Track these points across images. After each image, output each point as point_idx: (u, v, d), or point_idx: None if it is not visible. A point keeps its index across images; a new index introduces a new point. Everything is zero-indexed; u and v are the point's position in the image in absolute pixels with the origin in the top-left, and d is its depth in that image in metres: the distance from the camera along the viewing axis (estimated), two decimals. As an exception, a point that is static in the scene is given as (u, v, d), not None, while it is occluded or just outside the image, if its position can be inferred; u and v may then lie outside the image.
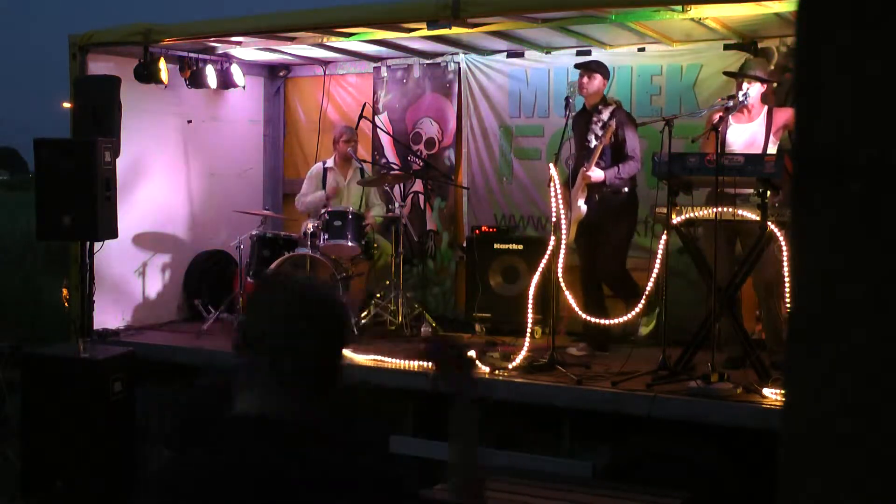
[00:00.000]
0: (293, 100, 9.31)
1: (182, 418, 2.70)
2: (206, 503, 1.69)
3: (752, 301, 6.51)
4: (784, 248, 5.44)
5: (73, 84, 7.48)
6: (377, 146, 8.69)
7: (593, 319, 6.31)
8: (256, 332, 1.83)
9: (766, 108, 6.06)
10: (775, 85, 6.61)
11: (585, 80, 6.57)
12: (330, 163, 7.96)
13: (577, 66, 6.72)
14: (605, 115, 6.47)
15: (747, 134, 6.00)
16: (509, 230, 7.89)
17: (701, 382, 5.32)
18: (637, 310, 6.13)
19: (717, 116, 5.96)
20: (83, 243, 7.27)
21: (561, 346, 6.39)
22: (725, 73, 6.46)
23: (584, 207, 6.37)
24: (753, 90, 5.96)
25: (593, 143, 6.47)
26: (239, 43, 7.95)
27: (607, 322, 6.31)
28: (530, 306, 6.22)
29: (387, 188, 7.82)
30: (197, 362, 6.92)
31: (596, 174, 6.35)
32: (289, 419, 1.77)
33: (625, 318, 6.20)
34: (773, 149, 5.92)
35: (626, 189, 6.52)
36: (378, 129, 8.53)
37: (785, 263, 5.50)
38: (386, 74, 8.60)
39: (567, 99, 6.46)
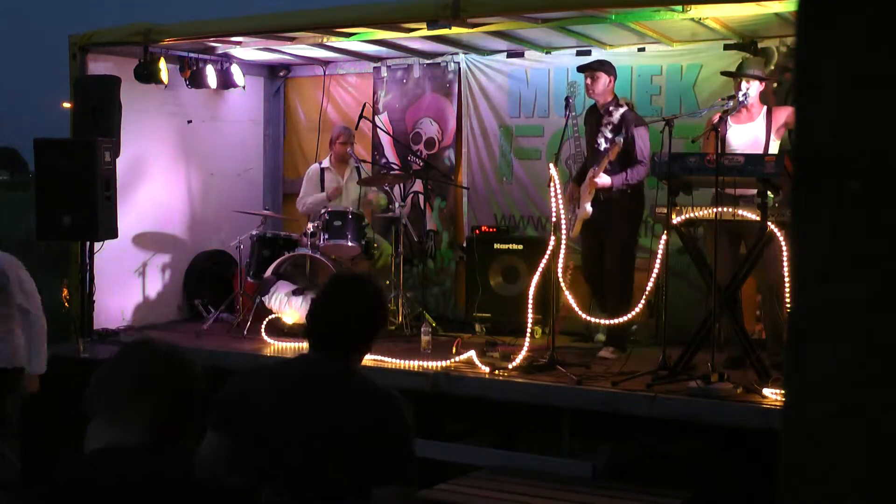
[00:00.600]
0: (293, 100, 9.31)
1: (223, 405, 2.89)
2: None
3: (752, 301, 6.51)
4: (784, 248, 5.44)
5: (73, 84, 7.48)
6: (377, 146, 8.68)
7: (593, 319, 6.30)
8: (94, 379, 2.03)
9: (765, 107, 6.05)
10: (775, 84, 6.62)
11: (589, 81, 6.50)
12: (326, 163, 7.94)
13: (579, 69, 6.65)
14: (616, 117, 6.41)
15: (748, 135, 5.99)
16: (509, 230, 7.89)
17: (701, 382, 5.32)
18: (631, 315, 6.12)
19: (717, 117, 5.96)
20: (83, 243, 7.27)
21: (582, 347, 6.35)
22: (723, 73, 6.45)
23: (589, 209, 6.35)
24: (753, 90, 5.95)
25: (603, 145, 6.42)
26: (239, 43, 7.95)
27: (616, 321, 6.26)
28: (530, 306, 6.22)
29: (387, 188, 7.82)
30: (197, 362, 6.91)
31: (603, 180, 6.32)
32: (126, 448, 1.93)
33: (623, 318, 6.19)
34: (774, 148, 5.91)
35: (630, 190, 6.50)
36: (378, 129, 8.53)
37: (785, 263, 5.50)
38: (386, 74, 8.60)
39: (567, 99, 6.45)
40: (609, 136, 6.39)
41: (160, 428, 1.94)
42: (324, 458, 2.67)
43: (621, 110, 6.42)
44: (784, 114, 5.95)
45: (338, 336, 2.84)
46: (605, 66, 6.54)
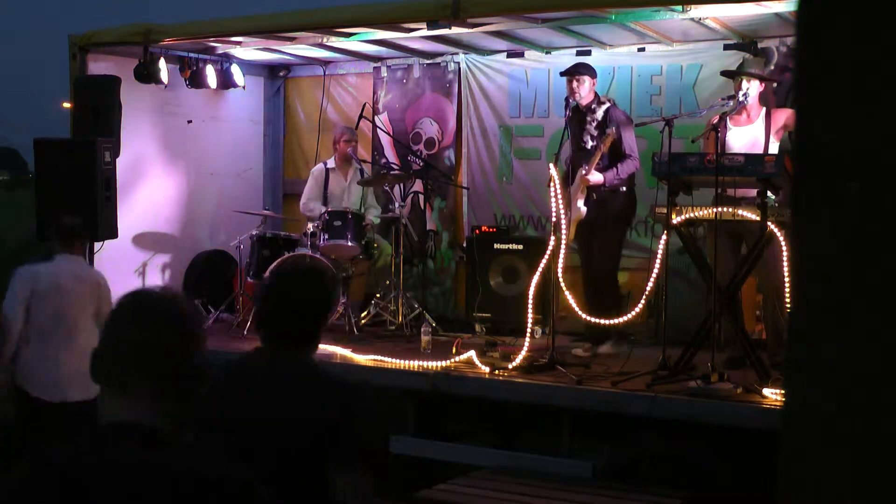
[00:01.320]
0: (293, 100, 9.31)
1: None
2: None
3: (752, 301, 6.51)
4: (784, 248, 5.44)
5: (73, 84, 7.48)
6: (377, 146, 8.68)
7: (592, 319, 6.30)
8: (99, 343, 1.89)
9: (764, 109, 6.05)
10: (775, 85, 6.61)
11: (574, 85, 6.49)
12: (331, 163, 7.96)
13: (562, 74, 6.64)
14: (600, 115, 6.44)
15: (748, 137, 5.98)
16: (509, 230, 7.89)
17: (701, 382, 5.32)
18: (631, 315, 6.12)
19: (717, 117, 5.95)
20: (83, 243, 7.26)
21: (562, 346, 6.39)
22: (723, 73, 6.44)
23: (583, 209, 6.36)
24: (753, 90, 5.95)
25: (589, 143, 6.45)
26: (239, 43, 7.95)
27: (608, 322, 6.29)
28: (530, 306, 6.22)
29: (387, 188, 7.82)
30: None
31: (595, 177, 6.33)
32: (133, 424, 1.81)
33: (623, 318, 6.19)
34: (773, 150, 5.91)
35: (625, 188, 6.52)
36: (378, 129, 8.53)
37: (785, 263, 5.50)
38: (386, 74, 8.60)
39: (567, 99, 6.46)
40: (595, 133, 6.41)
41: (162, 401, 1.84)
42: (295, 457, 2.67)
43: (604, 107, 6.46)
44: (783, 115, 5.95)
45: (295, 330, 2.84)
46: (588, 70, 6.56)
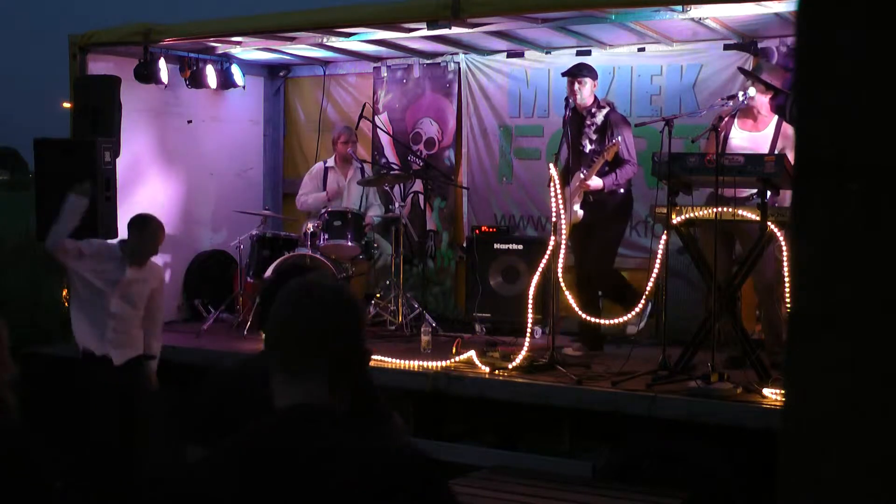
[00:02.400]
0: (293, 100, 9.31)
1: (205, 412, 2.74)
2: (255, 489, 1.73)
3: (752, 301, 6.51)
4: (784, 248, 5.44)
5: (73, 84, 7.47)
6: (377, 146, 8.68)
7: (591, 319, 6.31)
8: (267, 330, 1.91)
9: (776, 118, 6.02)
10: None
11: (577, 86, 6.47)
12: (331, 162, 7.98)
13: (564, 74, 6.62)
14: (599, 119, 6.43)
15: (753, 143, 5.94)
16: (509, 230, 7.89)
17: (701, 382, 5.32)
18: (633, 312, 6.13)
19: (717, 118, 5.94)
20: (83, 243, 7.25)
21: (562, 346, 6.39)
22: (740, 70, 6.38)
23: (580, 212, 6.36)
24: (753, 91, 5.93)
25: (587, 147, 6.44)
26: (239, 43, 7.94)
27: (600, 322, 6.30)
28: (530, 306, 6.22)
29: (387, 188, 7.82)
30: (197, 362, 6.91)
31: (595, 182, 6.33)
32: (315, 408, 1.81)
33: (620, 319, 6.19)
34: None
35: (622, 190, 6.51)
36: (378, 129, 8.53)
37: (785, 263, 5.50)
38: (386, 74, 8.60)
39: (567, 99, 6.45)
40: (593, 137, 6.41)
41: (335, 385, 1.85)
42: None
43: (604, 111, 6.45)
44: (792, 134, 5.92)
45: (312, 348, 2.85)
46: (591, 72, 6.56)
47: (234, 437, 1.82)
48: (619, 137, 6.29)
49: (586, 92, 6.49)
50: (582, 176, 6.33)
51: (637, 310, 6.16)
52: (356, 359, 1.89)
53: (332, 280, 1.96)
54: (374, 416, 2.67)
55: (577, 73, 6.52)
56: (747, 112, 5.97)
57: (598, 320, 6.46)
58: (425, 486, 1.77)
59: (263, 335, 2.27)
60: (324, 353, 1.83)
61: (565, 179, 6.42)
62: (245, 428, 1.82)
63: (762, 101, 5.98)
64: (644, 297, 6.05)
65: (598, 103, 6.52)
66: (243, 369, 2.98)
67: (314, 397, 1.81)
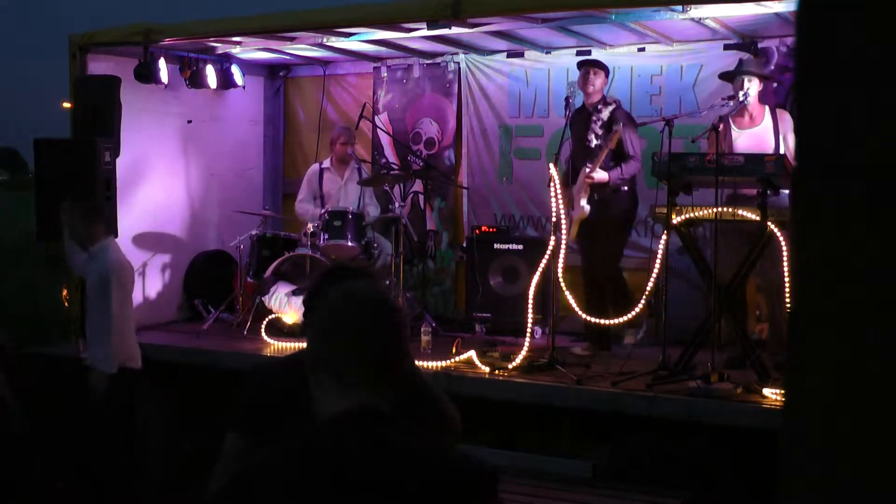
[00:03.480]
0: (293, 100, 9.31)
1: (251, 405, 2.77)
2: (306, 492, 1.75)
3: (752, 301, 6.51)
4: (784, 247, 5.44)
5: (73, 84, 7.47)
6: (377, 146, 8.68)
7: (593, 319, 6.31)
8: (324, 337, 1.90)
9: (767, 108, 6.04)
10: (775, 84, 6.60)
11: (592, 75, 6.54)
12: (327, 163, 7.96)
13: (582, 63, 6.69)
14: (605, 115, 6.46)
15: (755, 139, 5.94)
16: (509, 230, 7.89)
17: (701, 382, 5.32)
18: (631, 315, 6.12)
19: (717, 118, 5.93)
20: (83, 243, 7.25)
21: (562, 346, 6.39)
22: (721, 76, 6.38)
23: (587, 207, 6.36)
24: (753, 90, 5.93)
25: (594, 142, 6.46)
26: (239, 43, 7.94)
27: (607, 322, 6.30)
28: (530, 306, 6.22)
29: (386, 188, 7.82)
30: (197, 362, 6.92)
31: (600, 175, 6.34)
32: (373, 412, 1.82)
33: (623, 318, 6.19)
34: (784, 149, 5.84)
35: (626, 188, 6.52)
36: (378, 129, 8.53)
37: (785, 263, 5.50)
38: (386, 74, 8.60)
39: (567, 99, 6.46)
40: (599, 132, 6.42)
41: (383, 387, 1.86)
42: None
43: (610, 108, 6.48)
44: (789, 116, 5.92)
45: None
46: (604, 66, 6.64)
47: (293, 440, 1.82)
48: (620, 125, 6.31)
49: (599, 84, 6.54)
50: (587, 169, 6.34)
51: (629, 316, 6.15)
52: (402, 364, 1.91)
53: (384, 288, 1.97)
54: (421, 411, 2.67)
55: (592, 62, 6.61)
56: (740, 111, 5.96)
57: (601, 321, 6.46)
58: (488, 498, 1.80)
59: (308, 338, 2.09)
60: (391, 374, 1.87)
61: (569, 178, 6.44)
62: (304, 431, 1.82)
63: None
64: (640, 304, 6.03)
65: (604, 100, 6.56)
66: (287, 364, 3.00)
67: (366, 400, 1.82)
